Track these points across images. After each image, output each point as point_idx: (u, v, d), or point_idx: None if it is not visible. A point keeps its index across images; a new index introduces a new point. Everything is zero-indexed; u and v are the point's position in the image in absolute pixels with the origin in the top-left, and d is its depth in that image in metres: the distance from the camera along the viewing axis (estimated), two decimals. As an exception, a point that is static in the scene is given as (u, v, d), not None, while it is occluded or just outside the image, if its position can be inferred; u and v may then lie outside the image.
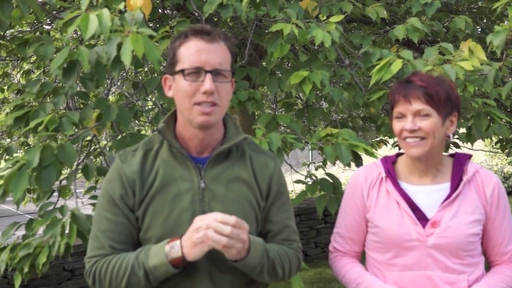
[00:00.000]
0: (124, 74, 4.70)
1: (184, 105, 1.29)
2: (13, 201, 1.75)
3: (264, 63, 3.10)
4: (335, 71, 2.69)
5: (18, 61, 4.30)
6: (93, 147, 3.06)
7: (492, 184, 1.52)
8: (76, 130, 2.11)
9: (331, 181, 2.34)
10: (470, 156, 1.59)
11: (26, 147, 4.09)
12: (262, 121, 2.44)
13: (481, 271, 1.51)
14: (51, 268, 4.52)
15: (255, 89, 2.99)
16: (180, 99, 1.30)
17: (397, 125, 1.51)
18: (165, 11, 3.53)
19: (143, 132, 4.92)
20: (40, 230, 1.95)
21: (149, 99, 3.45)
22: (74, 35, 4.15)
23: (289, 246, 1.44)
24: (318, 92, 2.71)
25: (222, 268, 1.32)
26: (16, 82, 4.61)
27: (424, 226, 1.47)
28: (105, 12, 1.67)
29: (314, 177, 2.44)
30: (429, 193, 1.52)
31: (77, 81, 2.23)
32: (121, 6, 1.93)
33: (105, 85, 3.27)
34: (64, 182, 2.31)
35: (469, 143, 2.92)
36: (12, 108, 2.22)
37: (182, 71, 1.27)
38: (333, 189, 2.32)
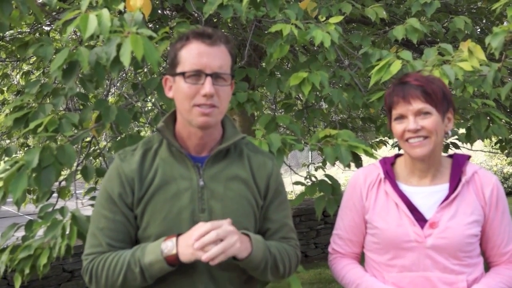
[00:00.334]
0: (124, 75, 4.70)
1: (184, 107, 1.31)
2: (12, 201, 1.75)
3: (263, 64, 3.10)
4: (334, 72, 2.69)
5: (18, 62, 4.30)
6: (93, 148, 3.06)
7: (491, 185, 1.52)
8: (76, 131, 2.11)
9: (329, 182, 2.34)
10: (469, 157, 1.59)
11: (25, 148, 4.09)
12: (261, 122, 2.44)
13: (480, 271, 1.51)
14: (50, 269, 4.51)
15: (255, 90, 2.99)
16: (180, 100, 1.31)
17: (398, 127, 1.50)
18: (165, 12, 3.53)
19: (142, 133, 4.92)
20: (40, 232, 1.95)
21: (148, 100, 3.45)
22: (74, 36, 4.15)
23: (288, 243, 1.46)
24: (317, 93, 2.72)
25: (221, 265, 1.32)
26: (15, 83, 4.61)
27: (422, 227, 1.47)
28: (105, 12, 1.67)
29: (314, 178, 2.44)
30: (427, 194, 1.52)
31: (77, 82, 2.23)
32: (120, 6, 1.93)
33: (105, 86, 3.27)
34: (63, 183, 2.31)
35: (468, 144, 2.92)
36: (11, 109, 2.22)
37: (182, 73, 1.29)
38: (332, 190, 2.32)
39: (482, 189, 1.51)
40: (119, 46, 1.61)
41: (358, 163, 2.20)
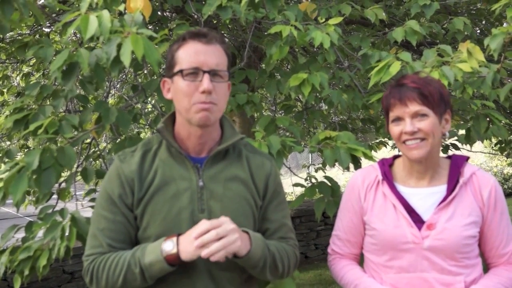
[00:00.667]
0: (124, 76, 4.71)
1: (183, 105, 1.32)
2: (12, 203, 1.75)
3: (263, 66, 3.11)
4: (334, 73, 2.69)
5: (18, 64, 4.31)
6: (93, 150, 3.07)
7: (489, 186, 1.52)
8: (76, 133, 2.12)
9: (329, 184, 2.34)
10: (467, 158, 1.59)
11: (26, 150, 4.09)
12: (261, 124, 2.45)
13: (478, 272, 1.52)
14: (51, 270, 4.52)
15: (254, 92, 2.99)
16: (179, 99, 1.32)
17: (395, 129, 1.51)
18: (165, 14, 3.53)
19: (142, 135, 4.93)
20: (40, 233, 1.96)
21: (148, 102, 3.45)
22: (74, 37, 4.15)
23: (287, 243, 1.47)
24: (317, 94, 2.72)
25: (221, 265, 1.34)
26: (15, 84, 4.61)
27: (420, 228, 1.48)
28: (105, 13, 1.68)
29: (314, 179, 2.45)
30: (425, 196, 1.53)
31: (77, 84, 2.24)
32: (121, 8, 1.93)
33: (105, 88, 3.27)
34: (63, 184, 2.32)
35: (468, 145, 2.92)
36: (11, 111, 2.22)
37: (180, 71, 1.31)
38: (331, 192, 2.33)
39: (480, 190, 1.51)
40: (119, 46, 1.61)
41: (357, 166, 2.20)
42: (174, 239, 1.25)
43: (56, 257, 1.83)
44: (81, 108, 2.91)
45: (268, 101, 5.64)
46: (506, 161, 11.21)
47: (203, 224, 1.23)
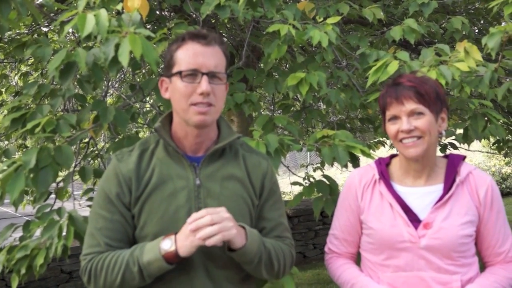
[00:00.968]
0: (122, 76, 4.70)
1: (181, 106, 1.32)
2: (10, 202, 1.75)
3: (261, 65, 3.11)
4: (332, 73, 2.69)
5: (16, 63, 4.30)
6: (91, 149, 3.06)
7: (486, 185, 1.52)
8: (74, 132, 2.11)
9: (327, 183, 2.34)
10: (464, 157, 1.59)
11: (24, 149, 4.08)
12: (259, 123, 2.45)
13: (475, 271, 1.52)
14: (49, 270, 4.53)
15: (253, 91, 2.99)
16: (177, 100, 1.33)
17: (391, 128, 1.51)
18: (163, 13, 3.53)
19: (141, 134, 4.92)
20: (38, 232, 1.95)
21: (146, 101, 3.45)
22: (72, 37, 4.15)
23: (283, 242, 1.48)
24: (315, 94, 2.72)
25: (218, 263, 1.35)
26: (14, 84, 4.61)
27: (416, 227, 1.48)
28: (103, 12, 1.67)
29: (312, 179, 2.45)
30: (422, 195, 1.53)
31: (75, 83, 2.24)
32: (118, 7, 1.93)
33: (103, 87, 3.27)
34: (61, 184, 2.31)
35: (466, 144, 2.92)
36: (9, 110, 2.22)
37: (179, 72, 1.31)
38: (329, 191, 2.33)
39: (477, 190, 1.51)
40: (117, 46, 1.61)
41: (356, 164, 2.20)
42: (172, 237, 1.26)
43: (54, 256, 1.83)
44: (79, 108, 2.90)
45: (267, 100, 5.64)
46: (504, 160, 11.23)
47: (200, 211, 1.24)
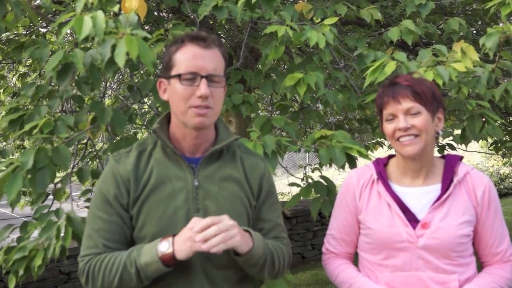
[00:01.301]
0: (120, 77, 4.70)
1: (179, 108, 1.32)
2: (7, 203, 1.75)
3: (259, 66, 3.11)
4: (329, 73, 2.70)
5: (14, 64, 4.30)
6: (89, 150, 3.06)
7: (483, 185, 1.53)
8: (72, 133, 2.11)
9: (325, 184, 2.34)
10: (461, 158, 1.60)
11: (22, 150, 4.07)
12: (256, 124, 2.45)
13: (472, 271, 1.52)
14: (47, 271, 4.52)
15: (250, 92, 3.00)
16: (176, 102, 1.33)
17: (389, 127, 1.52)
18: (161, 14, 3.53)
19: (139, 135, 4.92)
20: (35, 233, 1.95)
21: (144, 102, 3.45)
22: (70, 38, 4.15)
23: (281, 242, 1.49)
24: (313, 95, 2.72)
25: (216, 264, 1.36)
26: (12, 85, 4.60)
27: (414, 227, 1.49)
28: (100, 14, 1.67)
29: (310, 179, 2.45)
30: (420, 195, 1.53)
31: (73, 84, 2.23)
32: (115, 8, 1.93)
33: (101, 89, 3.27)
34: (59, 185, 2.31)
35: (463, 145, 2.93)
36: (7, 111, 2.22)
37: (178, 75, 1.31)
38: (327, 191, 2.33)
39: (474, 190, 1.52)
40: (113, 47, 1.61)
41: (353, 165, 2.20)
42: (170, 239, 1.26)
43: (52, 258, 1.83)
44: (77, 109, 2.90)
45: (265, 101, 5.65)
46: (502, 161, 11.24)
47: (199, 220, 1.24)
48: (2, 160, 1.99)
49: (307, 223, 6.25)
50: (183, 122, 1.34)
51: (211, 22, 3.30)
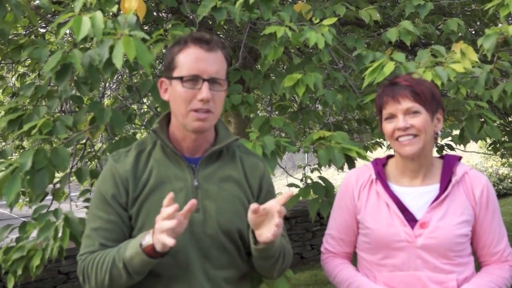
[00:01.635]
0: (119, 77, 4.70)
1: (179, 110, 1.32)
2: (6, 204, 1.75)
3: (258, 66, 3.11)
4: (328, 74, 2.70)
5: (13, 65, 4.30)
6: (88, 150, 3.06)
7: (481, 185, 1.53)
8: (70, 133, 2.11)
9: (323, 184, 2.35)
10: (460, 158, 1.61)
11: (21, 151, 4.07)
12: (255, 124, 2.45)
13: (470, 270, 1.53)
14: (46, 271, 4.52)
15: (250, 92, 3.00)
16: (176, 104, 1.33)
17: (388, 126, 1.52)
18: (160, 14, 3.53)
19: (138, 135, 4.92)
20: (34, 233, 1.95)
21: (143, 102, 3.45)
22: (70, 38, 4.15)
23: (284, 240, 1.48)
24: (312, 95, 2.73)
25: (216, 264, 1.36)
26: (11, 85, 4.60)
27: (413, 227, 1.49)
28: (98, 14, 1.67)
29: (309, 180, 2.45)
30: (418, 195, 1.54)
31: (72, 85, 2.23)
32: (114, 8, 1.93)
33: (100, 89, 3.27)
34: (58, 185, 2.31)
35: (462, 145, 2.93)
36: (6, 111, 2.22)
37: (180, 78, 1.30)
38: (325, 192, 2.33)
39: (472, 190, 1.53)
40: (111, 48, 1.61)
41: (352, 165, 2.21)
42: (151, 230, 1.23)
43: (50, 258, 1.83)
44: (76, 109, 2.90)
45: (264, 102, 5.65)
46: (501, 161, 11.24)
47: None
48: (1, 160, 1.99)
49: (306, 223, 6.25)
50: (183, 124, 1.33)
51: (210, 23, 3.30)
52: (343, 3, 2.82)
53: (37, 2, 2.41)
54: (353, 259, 1.69)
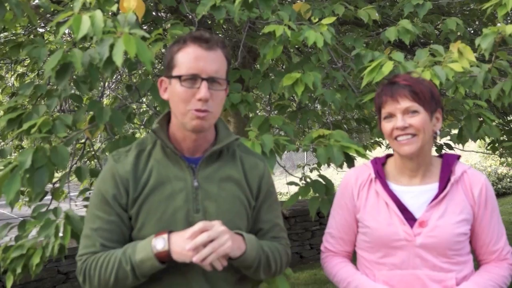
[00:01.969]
0: (118, 77, 4.70)
1: (179, 110, 1.32)
2: (6, 202, 1.75)
3: (257, 66, 3.11)
4: (327, 73, 2.70)
5: (12, 64, 4.29)
6: (87, 149, 3.07)
7: (480, 184, 1.53)
8: (70, 132, 2.12)
9: (323, 183, 2.35)
10: (458, 157, 1.61)
11: (20, 150, 4.07)
12: (255, 123, 2.45)
13: (470, 269, 1.53)
14: (45, 271, 4.52)
15: (249, 92, 3.00)
16: (175, 103, 1.32)
17: (386, 126, 1.53)
18: (159, 14, 3.53)
19: (137, 135, 4.92)
20: (33, 232, 1.96)
21: (143, 102, 3.45)
22: (69, 38, 4.15)
23: (279, 242, 1.49)
24: (311, 94, 2.73)
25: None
26: (10, 85, 4.60)
27: (412, 226, 1.49)
28: (98, 13, 1.68)
29: (308, 179, 2.45)
30: (417, 194, 1.54)
31: (71, 84, 2.24)
32: (114, 8, 1.94)
33: (99, 88, 3.27)
34: (57, 184, 2.32)
35: (461, 145, 2.94)
36: (5, 110, 2.22)
37: (179, 77, 1.30)
38: (325, 190, 2.33)
39: (471, 189, 1.53)
40: (111, 47, 1.62)
41: (351, 164, 2.21)
42: (165, 236, 1.25)
43: (51, 257, 1.83)
44: (75, 108, 2.91)
45: (263, 101, 5.65)
46: (500, 161, 11.25)
47: (196, 225, 1.24)
48: (1, 160, 1.99)
49: (306, 222, 6.26)
50: (182, 123, 1.33)
51: (210, 22, 3.31)
52: (342, 3, 2.82)
53: (36, 1, 2.42)
54: (353, 258, 1.69)
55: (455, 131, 2.77)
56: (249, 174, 1.44)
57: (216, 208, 1.35)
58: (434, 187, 1.54)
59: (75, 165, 2.53)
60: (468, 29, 4.07)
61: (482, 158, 12.24)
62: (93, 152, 2.86)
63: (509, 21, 4.40)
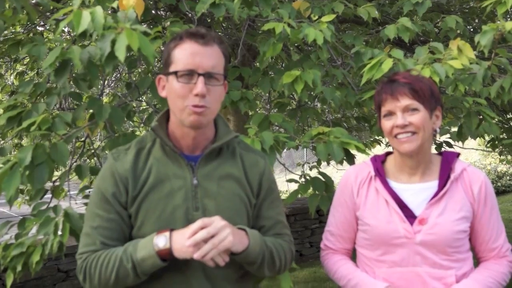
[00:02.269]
0: (118, 75, 4.70)
1: (176, 106, 1.32)
2: (5, 199, 1.75)
3: (257, 64, 3.11)
4: (327, 71, 2.70)
5: (12, 63, 4.29)
6: (87, 148, 3.07)
7: (479, 181, 1.54)
8: (70, 130, 2.12)
9: (323, 179, 2.35)
10: (458, 154, 1.61)
11: (19, 148, 4.07)
12: (254, 121, 2.45)
13: (469, 266, 1.54)
14: (45, 269, 4.51)
15: (248, 89, 3.00)
16: (173, 100, 1.32)
17: (386, 124, 1.53)
18: (158, 12, 3.53)
19: (137, 133, 4.92)
20: (33, 230, 1.95)
21: (142, 100, 3.45)
22: (68, 36, 4.14)
23: (282, 239, 1.48)
24: (311, 92, 2.73)
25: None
26: (9, 83, 4.60)
27: (412, 223, 1.49)
28: (98, 9, 1.67)
29: (308, 177, 2.45)
30: (417, 191, 1.54)
31: (70, 82, 2.24)
32: (114, 4, 1.93)
33: (99, 86, 3.27)
34: (57, 182, 2.31)
35: (461, 142, 2.94)
36: (5, 109, 2.22)
37: (175, 72, 1.30)
38: (325, 187, 2.33)
39: (471, 186, 1.53)
40: (113, 42, 1.61)
41: (351, 161, 2.21)
42: (167, 234, 1.26)
43: (50, 256, 1.83)
44: (75, 106, 2.90)
45: (263, 99, 5.65)
46: (499, 158, 11.26)
47: (196, 223, 1.24)
48: (0, 157, 1.99)
49: (305, 221, 6.26)
50: (180, 120, 1.33)
51: (209, 20, 3.30)
52: (342, 1, 2.82)
53: (35, -1, 2.41)
54: (353, 255, 1.69)
55: (454, 129, 2.77)
56: (249, 171, 1.44)
57: (215, 206, 1.35)
58: (433, 184, 1.54)
59: (75, 163, 2.53)
60: (468, 27, 4.07)
61: (481, 156, 12.25)
62: (93, 150, 2.86)
63: (509, 19, 4.40)
